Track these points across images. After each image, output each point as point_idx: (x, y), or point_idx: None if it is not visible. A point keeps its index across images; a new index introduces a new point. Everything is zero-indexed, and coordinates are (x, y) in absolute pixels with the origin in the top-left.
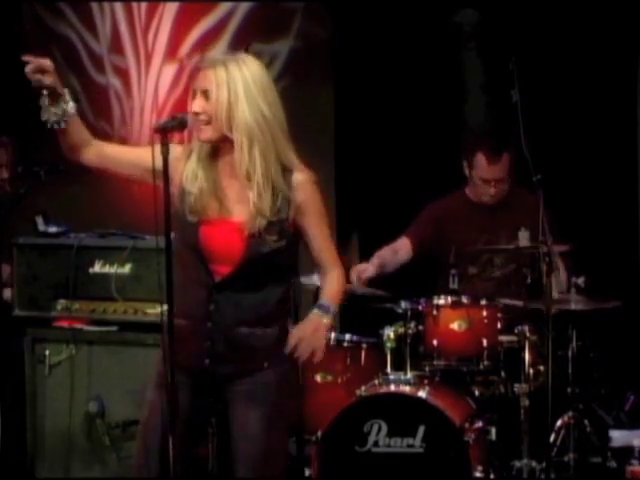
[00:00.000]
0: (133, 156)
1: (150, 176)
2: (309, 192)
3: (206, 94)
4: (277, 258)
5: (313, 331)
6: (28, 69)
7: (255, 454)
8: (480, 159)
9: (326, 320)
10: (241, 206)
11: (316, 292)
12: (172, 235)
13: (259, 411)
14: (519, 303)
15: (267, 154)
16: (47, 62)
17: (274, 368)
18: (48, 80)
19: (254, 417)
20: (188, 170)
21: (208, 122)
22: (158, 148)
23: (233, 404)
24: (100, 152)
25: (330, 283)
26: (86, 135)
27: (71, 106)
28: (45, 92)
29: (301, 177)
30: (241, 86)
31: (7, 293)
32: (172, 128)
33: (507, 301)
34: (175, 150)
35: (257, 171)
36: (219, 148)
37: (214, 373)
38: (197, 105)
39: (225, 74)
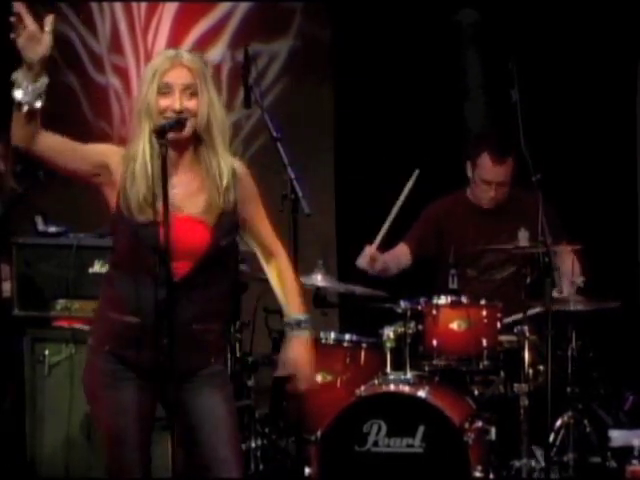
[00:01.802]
0: (86, 151)
1: (97, 174)
2: (250, 181)
3: (189, 90)
4: (230, 251)
5: (304, 354)
6: (22, 37)
7: (228, 436)
8: (485, 159)
9: (305, 336)
10: (193, 201)
11: (316, 293)
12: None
13: (221, 395)
14: (519, 316)
15: (228, 151)
16: (43, 27)
17: (218, 361)
18: (42, 50)
19: (219, 400)
20: (129, 172)
21: (186, 119)
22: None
23: (193, 395)
24: (51, 141)
25: (290, 287)
26: (39, 121)
27: (45, 82)
28: (31, 64)
29: (241, 168)
30: (212, 83)
31: (7, 293)
32: (171, 128)
33: (508, 320)
34: (115, 153)
35: (224, 166)
36: (174, 148)
37: (167, 370)
38: (179, 102)
39: (204, 71)
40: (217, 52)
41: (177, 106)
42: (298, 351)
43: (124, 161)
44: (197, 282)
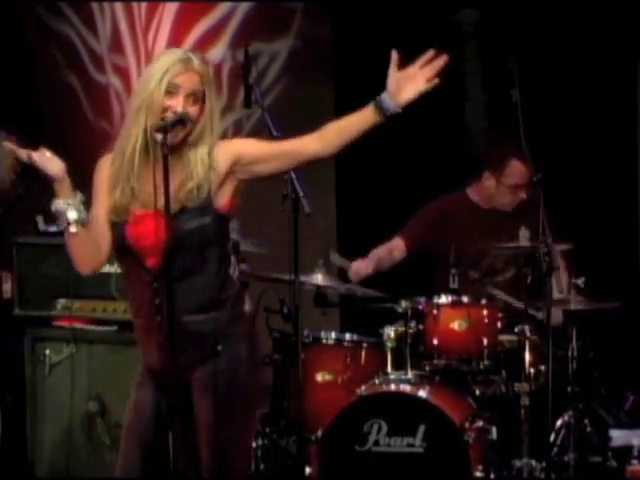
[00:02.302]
0: (104, 207)
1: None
2: (232, 146)
3: (194, 96)
4: (203, 236)
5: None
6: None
7: (210, 439)
8: (515, 165)
9: None
10: (159, 196)
11: (316, 292)
12: None
13: (210, 398)
14: (520, 305)
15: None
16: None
17: (228, 354)
18: (58, 163)
19: (206, 404)
20: (115, 170)
21: (185, 125)
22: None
23: (193, 392)
24: (105, 246)
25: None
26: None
27: (80, 195)
28: (60, 179)
29: (221, 146)
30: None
31: (7, 294)
32: (173, 126)
33: (509, 299)
34: (104, 169)
35: (199, 166)
36: (152, 149)
37: (172, 365)
38: (182, 105)
39: (210, 78)
40: (218, 52)
41: (179, 108)
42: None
43: (111, 160)
44: (177, 274)
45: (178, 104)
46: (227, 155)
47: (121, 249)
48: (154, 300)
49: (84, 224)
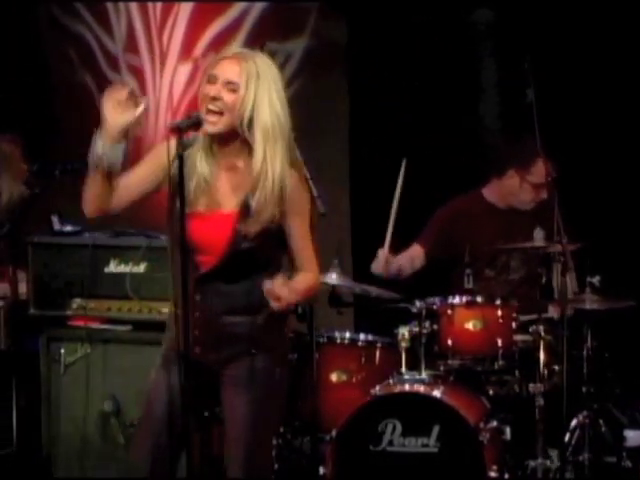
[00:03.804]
0: (142, 175)
1: (164, 182)
2: (296, 197)
3: (230, 85)
4: (259, 253)
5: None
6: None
7: (242, 437)
8: (540, 164)
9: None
10: (232, 198)
11: (331, 292)
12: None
13: (246, 396)
14: (534, 317)
15: (283, 158)
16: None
17: (263, 355)
18: (125, 120)
19: (241, 401)
20: (189, 164)
21: (221, 113)
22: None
23: (223, 388)
24: (121, 197)
25: (301, 277)
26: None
27: (123, 147)
28: (112, 128)
29: (291, 180)
30: (269, 86)
31: (22, 295)
32: (188, 127)
33: (525, 318)
34: (164, 152)
35: (272, 174)
36: (219, 141)
37: (204, 361)
38: (216, 91)
39: (255, 70)
40: (248, 50)
41: (213, 93)
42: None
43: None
44: (224, 277)
45: (213, 90)
46: (288, 206)
47: (178, 240)
48: (195, 295)
49: (111, 172)
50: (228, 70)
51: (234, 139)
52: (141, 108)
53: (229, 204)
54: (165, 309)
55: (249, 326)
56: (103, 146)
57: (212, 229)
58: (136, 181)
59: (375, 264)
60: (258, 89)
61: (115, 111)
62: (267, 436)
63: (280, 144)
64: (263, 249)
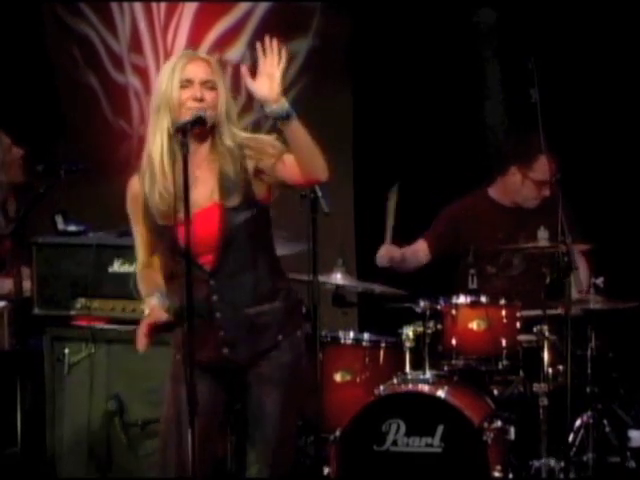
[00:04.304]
0: (145, 231)
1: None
2: (255, 139)
3: (207, 84)
4: (252, 229)
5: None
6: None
7: (272, 436)
8: (542, 161)
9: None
10: (208, 191)
11: (335, 292)
12: None
13: (275, 394)
14: (538, 312)
15: (236, 133)
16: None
17: (289, 341)
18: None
19: (270, 400)
20: (149, 174)
21: (205, 110)
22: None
23: (251, 387)
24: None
25: None
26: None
27: None
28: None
29: (245, 136)
30: (224, 77)
31: (26, 293)
32: (192, 126)
33: (527, 313)
34: (135, 184)
35: (228, 150)
36: (197, 142)
37: (234, 360)
38: (197, 92)
39: (218, 66)
40: (237, 51)
41: (198, 94)
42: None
43: (143, 167)
44: (232, 269)
45: (195, 92)
46: (252, 152)
47: (173, 251)
48: (211, 297)
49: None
50: (201, 71)
51: (209, 135)
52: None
53: (204, 199)
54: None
55: (271, 312)
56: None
57: (199, 228)
58: (149, 240)
59: (379, 257)
60: (224, 82)
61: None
62: (292, 433)
63: (236, 124)
64: (254, 226)
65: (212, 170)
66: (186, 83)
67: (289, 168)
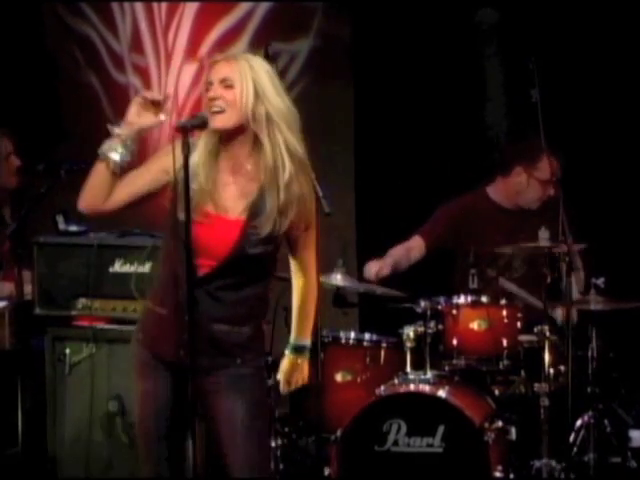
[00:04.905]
0: (143, 175)
1: (166, 186)
2: (310, 201)
3: (225, 83)
4: (262, 262)
5: (296, 373)
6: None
7: (243, 440)
8: (546, 161)
9: (301, 360)
10: (238, 203)
11: (336, 292)
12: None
13: (240, 399)
14: (539, 304)
15: (294, 151)
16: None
17: (247, 364)
18: (145, 123)
19: (236, 404)
20: (192, 169)
21: (222, 110)
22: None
23: (213, 395)
24: (117, 194)
25: (307, 312)
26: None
27: (134, 147)
28: (129, 126)
29: (307, 183)
30: (266, 76)
31: (27, 296)
32: (193, 127)
33: (528, 300)
34: (169, 158)
35: (286, 169)
36: (225, 143)
37: (187, 365)
38: (214, 91)
39: (248, 66)
40: (238, 51)
41: (211, 94)
42: (289, 373)
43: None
44: (221, 284)
45: (211, 92)
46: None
47: (180, 243)
48: (185, 299)
49: (115, 171)
50: (220, 70)
51: (242, 137)
52: (162, 118)
53: (235, 209)
54: None
55: (237, 336)
56: (114, 141)
57: (217, 234)
58: (135, 181)
59: (366, 276)
60: (256, 80)
61: (138, 111)
62: (266, 436)
63: (286, 129)
64: (267, 257)
65: (253, 181)
66: (209, 86)
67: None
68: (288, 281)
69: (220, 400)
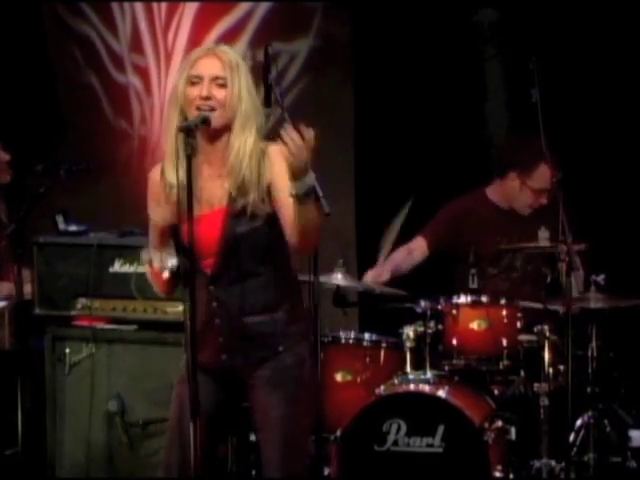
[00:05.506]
0: (160, 227)
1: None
2: (279, 160)
3: (217, 81)
4: (257, 239)
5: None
6: None
7: (277, 438)
8: (543, 170)
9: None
10: (218, 195)
11: (335, 292)
12: None
13: (278, 396)
14: (538, 305)
15: (256, 139)
16: None
17: (290, 351)
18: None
19: (274, 402)
20: (164, 181)
21: (213, 109)
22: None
23: (254, 390)
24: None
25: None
26: None
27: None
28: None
29: (272, 149)
30: (245, 75)
31: (27, 295)
32: (195, 127)
33: (526, 303)
34: (155, 182)
35: (247, 147)
36: (210, 140)
37: (232, 366)
38: (205, 90)
39: (235, 62)
40: (238, 51)
41: (204, 93)
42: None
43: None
44: (234, 276)
45: (202, 90)
46: (271, 167)
47: (180, 251)
48: (211, 303)
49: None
50: (211, 67)
51: (223, 135)
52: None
53: (214, 202)
54: (170, 309)
55: (271, 324)
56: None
57: (207, 229)
58: (157, 239)
59: (367, 278)
60: (240, 79)
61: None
62: (303, 434)
63: (254, 129)
64: (259, 233)
65: (227, 173)
66: (196, 79)
67: (284, 219)
68: None
69: (258, 395)
